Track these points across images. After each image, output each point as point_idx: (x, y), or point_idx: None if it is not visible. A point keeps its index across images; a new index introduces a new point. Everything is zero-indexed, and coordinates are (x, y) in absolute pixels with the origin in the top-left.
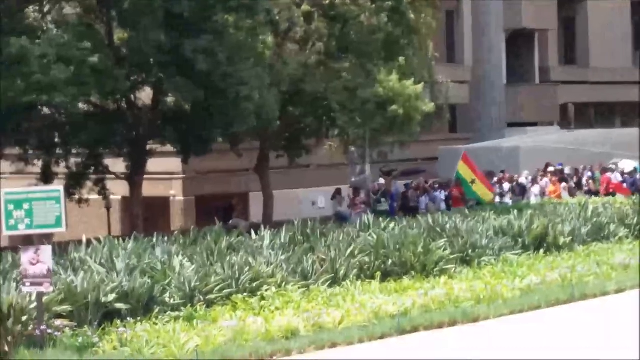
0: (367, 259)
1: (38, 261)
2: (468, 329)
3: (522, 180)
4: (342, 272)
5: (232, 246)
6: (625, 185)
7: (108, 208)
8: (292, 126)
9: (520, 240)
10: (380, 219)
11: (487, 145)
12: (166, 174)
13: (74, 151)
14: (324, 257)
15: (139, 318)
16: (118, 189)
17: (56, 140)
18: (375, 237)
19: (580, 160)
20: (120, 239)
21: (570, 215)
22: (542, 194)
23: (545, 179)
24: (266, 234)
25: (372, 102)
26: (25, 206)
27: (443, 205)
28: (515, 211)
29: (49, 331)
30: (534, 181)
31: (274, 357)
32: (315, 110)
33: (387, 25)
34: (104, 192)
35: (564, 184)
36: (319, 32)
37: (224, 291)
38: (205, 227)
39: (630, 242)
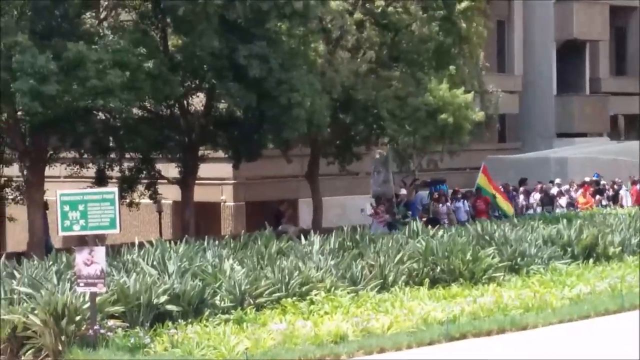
0: (415, 265)
1: (92, 262)
2: (516, 336)
3: (553, 190)
4: (390, 278)
5: (282, 251)
6: None
7: (159, 212)
8: (343, 133)
9: (569, 249)
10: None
11: (536, 155)
12: (217, 179)
13: (127, 155)
14: (372, 263)
15: (189, 320)
16: (169, 194)
17: (110, 144)
18: (424, 243)
19: (629, 172)
20: (172, 242)
21: (620, 225)
22: (571, 205)
23: (578, 190)
24: (316, 239)
25: (422, 111)
26: (81, 207)
27: (464, 216)
28: (565, 220)
29: (102, 331)
30: (560, 193)
31: None
32: (365, 117)
33: (438, 34)
34: (155, 196)
35: (597, 196)
36: (370, 41)
37: (274, 295)
38: (255, 232)
39: None
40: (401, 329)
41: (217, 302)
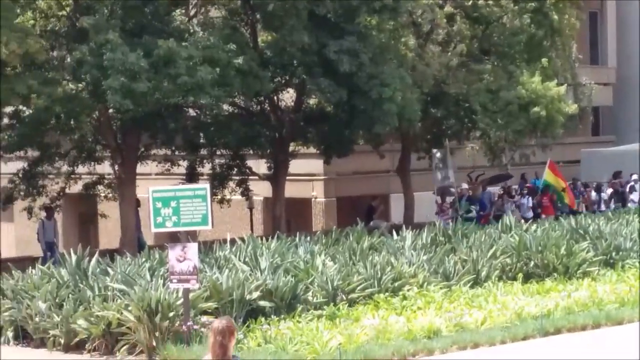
0: (508, 260)
1: (185, 258)
2: (612, 331)
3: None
4: (483, 273)
5: (374, 246)
6: None
7: (251, 208)
8: (434, 127)
9: None
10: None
11: (631, 148)
12: (308, 175)
13: (218, 152)
14: (465, 257)
15: (282, 316)
16: (260, 190)
17: (201, 141)
18: (517, 238)
19: None
20: (263, 238)
21: None
22: None
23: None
24: (407, 234)
25: (514, 104)
26: (173, 204)
27: (530, 213)
28: None
29: (195, 327)
30: (632, 188)
31: (416, 357)
32: (456, 111)
33: (530, 27)
34: (246, 193)
35: None
36: (461, 34)
37: (366, 290)
38: (346, 227)
39: None
40: (495, 324)
41: (310, 298)
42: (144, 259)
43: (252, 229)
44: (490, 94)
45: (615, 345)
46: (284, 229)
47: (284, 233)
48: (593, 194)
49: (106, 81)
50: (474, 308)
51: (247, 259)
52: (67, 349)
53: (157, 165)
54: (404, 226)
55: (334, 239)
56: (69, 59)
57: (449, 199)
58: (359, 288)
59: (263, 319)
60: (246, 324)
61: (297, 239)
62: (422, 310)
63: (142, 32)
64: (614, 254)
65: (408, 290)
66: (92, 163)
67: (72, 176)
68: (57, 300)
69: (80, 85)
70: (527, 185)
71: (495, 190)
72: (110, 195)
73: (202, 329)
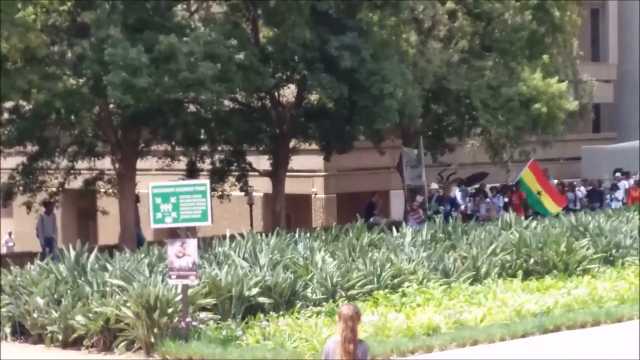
0: (508, 257)
1: (184, 254)
2: (612, 328)
3: (607, 184)
4: (483, 270)
5: (374, 243)
6: None
7: (250, 204)
8: (434, 124)
9: None
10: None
11: (632, 145)
12: (308, 172)
13: (218, 148)
14: (465, 254)
15: (281, 312)
16: (260, 186)
17: (201, 136)
18: (517, 235)
19: None
20: (263, 234)
21: None
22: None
23: (624, 182)
24: (407, 231)
25: (515, 101)
26: (172, 200)
27: (501, 212)
28: None
29: (194, 323)
30: (615, 186)
31: (415, 354)
32: (457, 108)
33: (531, 23)
34: (246, 189)
35: None
36: (462, 30)
37: (365, 287)
38: (346, 224)
39: None
40: (494, 321)
41: (309, 295)
42: (143, 255)
43: (251, 225)
44: (491, 90)
45: (615, 343)
46: (284, 225)
47: (284, 229)
48: (569, 193)
49: (107, 76)
50: (474, 305)
51: (246, 255)
52: (65, 345)
53: (157, 161)
54: (403, 222)
55: (334, 235)
56: (69, 54)
57: (419, 198)
58: (358, 285)
59: (262, 316)
60: (245, 321)
61: (296, 235)
62: (421, 307)
63: (143, 27)
64: (613, 251)
65: (407, 287)
66: (92, 158)
67: (72, 171)
68: (55, 296)
69: (80, 80)
70: (504, 184)
71: (467, 189)
72: (110, 190)
73: (201, 325)
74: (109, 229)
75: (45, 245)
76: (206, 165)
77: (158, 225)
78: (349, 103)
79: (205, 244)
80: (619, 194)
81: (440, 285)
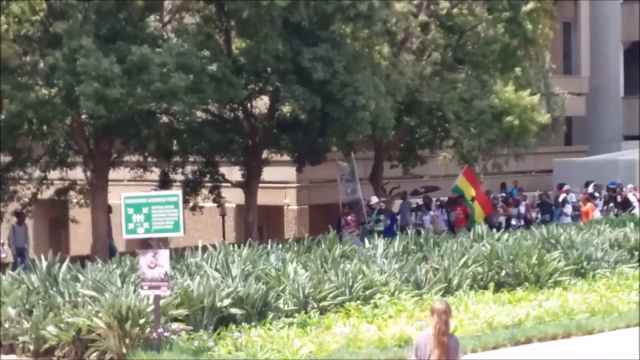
0: (480, 269)
1: (156, 265)
2: (583, 341)
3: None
4: (455, 282)
5: (346, 254)
6: None
7: (223, 215)
8: (407, 136)
9: (636, 253)
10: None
11: (603, 158)
12: (281, 183)
13: (190, 159)
14: (437, 266)
15: (253, 323)
16: (233, 197)
17: (174, 147)
18: (489, 247)
19: None
20: (235, 245)
21: None
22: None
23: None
24: (380, 242)
25: (487, 113)
26: (145, 210)
27: (443, 226)
28: (632, 224)
29: (166, 334)
30: (565, 200)
31: None
32: (430, 120)
33: (504, 36)
34: (219, 200)
35: (590, 204)
36: (435, 43)
37: (337, 298)
38: (318, 235)
39: None
40: (466, 332)
41: (281, 306)
42: (114, 266)
43: (224, 236)
44: (463, 102)
45: (585, 355)
46: (256, 237)
47: (256, 240)
48: (513, 209)
49: (79, 87)
50: None
51: (218, 266)
52: (37, 355)
53: (129, 172)
54: (375, 234)
55: (306, 246)
56: (42, 64)
57: (352, 216)
58: (330, 296)
59: (234, 327)
60: (217, 332)
61: (269, 246)
62: (393, 318)
63: (115, 38)
64: (585, 263)
65: (379, 298)
66: (64, 168)
67: (44, 181)
68: (27, 307)
69: (53, 90)
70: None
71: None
72: (82, 201)
73: (173, 336)
74: (81, 240)
75: (17, 255)
76: (179, 176)
77: (130, 235)
78: (321, 115)
79: (178, 255)
80: (568, 209)
81: (412, 296)
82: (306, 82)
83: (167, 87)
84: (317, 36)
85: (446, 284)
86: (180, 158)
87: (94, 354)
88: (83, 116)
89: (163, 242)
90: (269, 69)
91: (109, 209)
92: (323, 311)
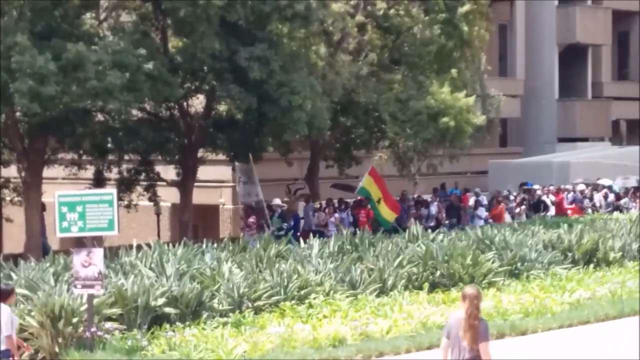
0: (415, 269)
1: (90, 263)
2: (516, 341)
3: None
4: (390, 282)
5: (281, 254)
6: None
7: (158, 214)
8: (343, 136)
9: (569, 254)
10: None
11: (537, 159)
12: (216, 182)
13: (126, 157)
14: (372, 266)
15: (187, 323)
16: (168, 196)
17: (109, 145)
18: (423, 248)
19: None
20: (170, 244)
21: (621, 230)
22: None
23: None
24: (315, 242)
25: (423, 114)
26: (79, 209)
27: (350, 228)
28: (565, 225)
29: (99, 333)
30: (478, 203)
31: None
32: (366, 120)
33: (440, 38)
34: (154, 199)
35: (500, 206)
36: (371, 43)
37: (272, 298)
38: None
39: None
40: (400, 333)
41: (215, 305)
42: (48, 264)
43: (159, 235)
44: (399, 103)
45: (519, 356)
46: (191, 236)
47: (191, 240)
48: (423, 209)
49: (14, 84)
50: (380, 317)
51: (153, 265)
52: None
53: (64, 170)
54: (311, 234)
55: (241, 246)
56: None
57: (252, 219)
58: (265, 296)
59: (168, 326)
60: (151, 331)
61: (204, 245)
62: (327, 318)
63: (51, 35)
64: (519, 264)
65: (314, 298)
66: None
67: None
68: None
69: None
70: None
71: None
72: (16, 199)
73: (106, 335)
74: (14, 238)
75: None
76: (114, 174)
77: (64, 234)
78: (257, 114)
79: (112, 254)
80: (481, 212)
81: (347, 297)
82: (243, 81)
83: (103, 85)
84: (254, 36)
85: (381, 284)
86: (116, 156)
87: (26, 353)
88: (17, 113)
89: (97, 241)
90: (205, 67)
91: (43, 207)
92: (258, 311)
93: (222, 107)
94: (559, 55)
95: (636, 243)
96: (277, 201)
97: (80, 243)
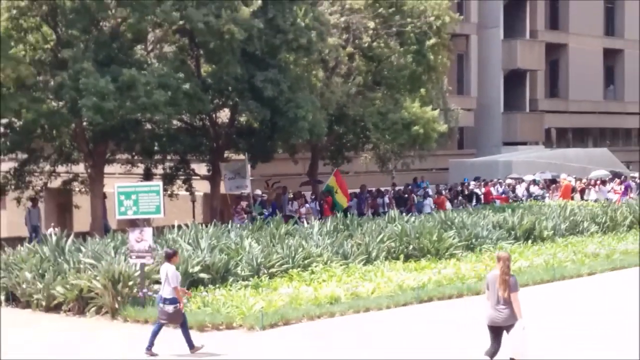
0: (393, 244)
1: (142, 239)
2: (472, 300)
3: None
4: (374, 254)
5: (289, 232)
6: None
7: (193, 202)
8: (336, 141)
9: (513, 232)
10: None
11: (487, 159)
12: None
13: (168, 157)
14: (360, 242)
15: (217, 285)
16: (201, 187)
17: (155, 148)
18: (400, 227)
19: (560, 172)
20: (203, 225)
21: (552, 213)
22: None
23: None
24: (315, 223)
25: (399, 124)
26: (133, 197)
27: (316, 214)
28: (510, 210)
29: (149, 293)
30: (427, 194)
31: (321, 318)
32: (354, 129)
33: (412, 64)
34: (190, 189)
35: (442, 197)
36: (359, 69)
37: (283, 266)
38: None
39: (600, 236)
40: (382, 293)
41: (239, 272)
42: (109, 240)
43: (194, 218)
44: (380, 115)
45: (474, 311)
46: (219, 218)
47: (219, 221)
48: (379, 199)
49: (81, 100)
50: (366, 281)
51: (190, 241)
52: (48, 309)
53: (120, 167)
54: (312, 216)
55: (258, 226)
56: (52, 83)
57: (243, 203)
58: (277, 264)
59: (202, 288)
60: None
61: (229, 225)
62: (326, 282)
63: (110, 62)
64: (474, 240)
65: (315, 266)
66: (69, 164)
67: (53, 174)
68: (40, 271)
69: (60, 103)
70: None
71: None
72: (83, 189)
73: (154, 295)
74: (81, 220)
75: (32, 232)
76: (159, 170)
77: (122, 216)
78: (270, 124)
79: (158, 232)
80: (429, 201)
81: (341, 265)
82: (259, 98)
83: (150, 102)
84: (268, 63)
85: (367, 256)
86: (160, 156)
87: (93, 309)
88: (84, 123)
89: (147, 222)
90: (230, 87)
91: (104, 196)
92: (272, 276)
93: (243, 118)
94: (503, 78)
95: (565, 223)
96: (258, 192)
97: (134, 224)
